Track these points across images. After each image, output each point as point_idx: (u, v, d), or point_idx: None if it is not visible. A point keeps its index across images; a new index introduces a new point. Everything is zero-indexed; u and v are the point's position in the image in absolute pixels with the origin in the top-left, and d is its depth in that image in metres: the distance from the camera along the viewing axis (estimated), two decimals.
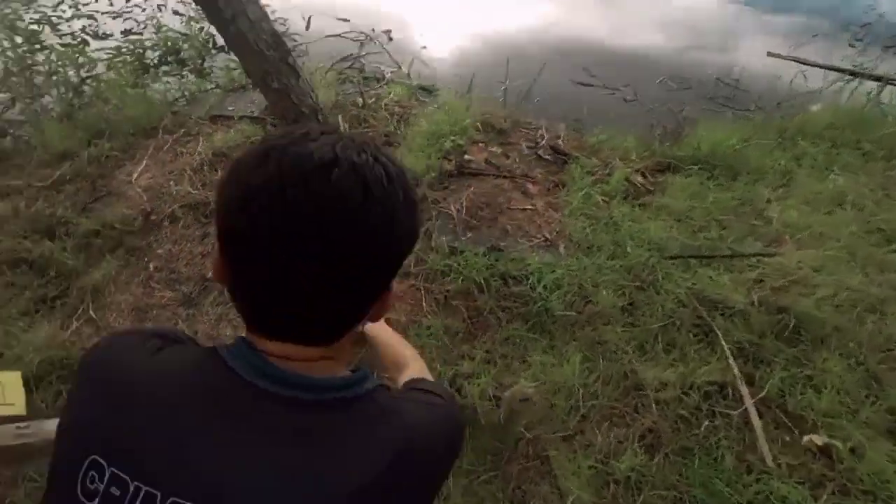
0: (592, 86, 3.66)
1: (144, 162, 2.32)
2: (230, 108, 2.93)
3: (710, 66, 3.85)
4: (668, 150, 2.52)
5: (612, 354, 1.53)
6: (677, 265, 1.79)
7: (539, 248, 1.87)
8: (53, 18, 3.71)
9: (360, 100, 2.89)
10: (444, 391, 0.62)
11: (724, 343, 1.52)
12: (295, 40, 3.98)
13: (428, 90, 3.70)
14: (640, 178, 2.32)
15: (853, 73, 3.78)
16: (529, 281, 1.70)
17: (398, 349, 0.95)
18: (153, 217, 1.95)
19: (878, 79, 3.67)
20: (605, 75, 3.74)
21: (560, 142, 2.53)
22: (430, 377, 0.77)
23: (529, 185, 2.25)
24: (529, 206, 2.08)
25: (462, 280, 1.71)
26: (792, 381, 1.45)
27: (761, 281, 1.71)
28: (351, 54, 4.13)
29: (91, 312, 1.61)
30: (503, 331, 1.59)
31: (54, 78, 3.29)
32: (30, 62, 3.53)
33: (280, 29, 3.46)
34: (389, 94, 3.11)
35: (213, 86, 3.35)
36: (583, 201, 2.06)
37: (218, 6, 1.57)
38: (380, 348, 0.96)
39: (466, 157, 2.35)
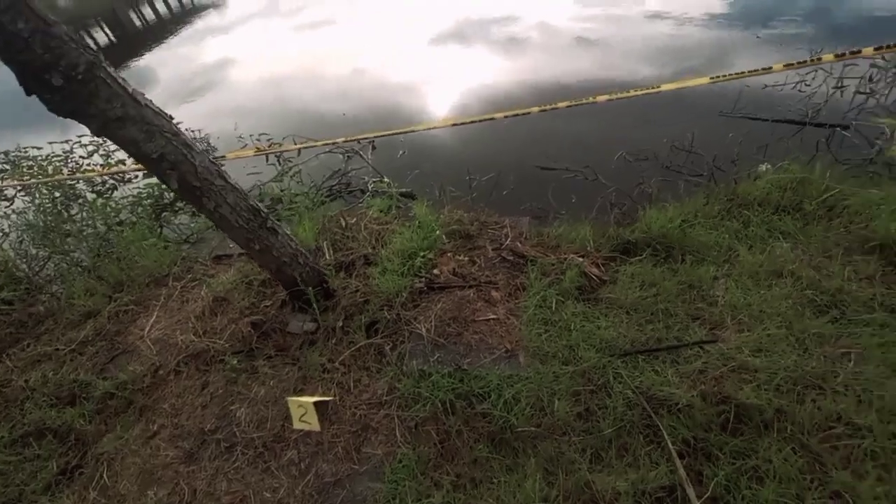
0: (555, 170, 3.98)
1: (155, 314, 2.65)
2: (231, 246, 3.32)
3: (665, 133, 4.14)
4: (623, 233, 2.74)
5: (570, 466, 1.66)
6: (626, 363, 1.95)
7: (501, 360, 2.06)
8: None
9: (343, 221, 3.24)
10: None
11: (669, 444, 1.64)
12: (290, 162, 4.56)
13: (410, 196, 4.08)
14: (595, 270, 2.53)
15: (799, 123, 4.05)
16: (491, 398, 1.87)
17: None
18: (160, 372, 2.23)
19: (822, 125, 3.94)
20: (567, 157, 4.08)
21: (520, 242, 2.78)
22: None
23: (493, 293, 2.47)
24: (492, 316, 2.30)
25: (431, 405, 1.90)
26: (737, 474, 1.55)
27: (704, 371, 1.85)
28: (339, 170, 4.60)
29: (105, 479, 1.84)
30: (471, 452, 1.75)
31: (84, 232, 3.79)
32: (65, 215, 4.12)
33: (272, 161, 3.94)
34: (371, 208, 3.47)
35: None
36: (538, 305, 2.27)
37: (202, 202, 1.93)
38: None
39: (435, 271, 2.61)
